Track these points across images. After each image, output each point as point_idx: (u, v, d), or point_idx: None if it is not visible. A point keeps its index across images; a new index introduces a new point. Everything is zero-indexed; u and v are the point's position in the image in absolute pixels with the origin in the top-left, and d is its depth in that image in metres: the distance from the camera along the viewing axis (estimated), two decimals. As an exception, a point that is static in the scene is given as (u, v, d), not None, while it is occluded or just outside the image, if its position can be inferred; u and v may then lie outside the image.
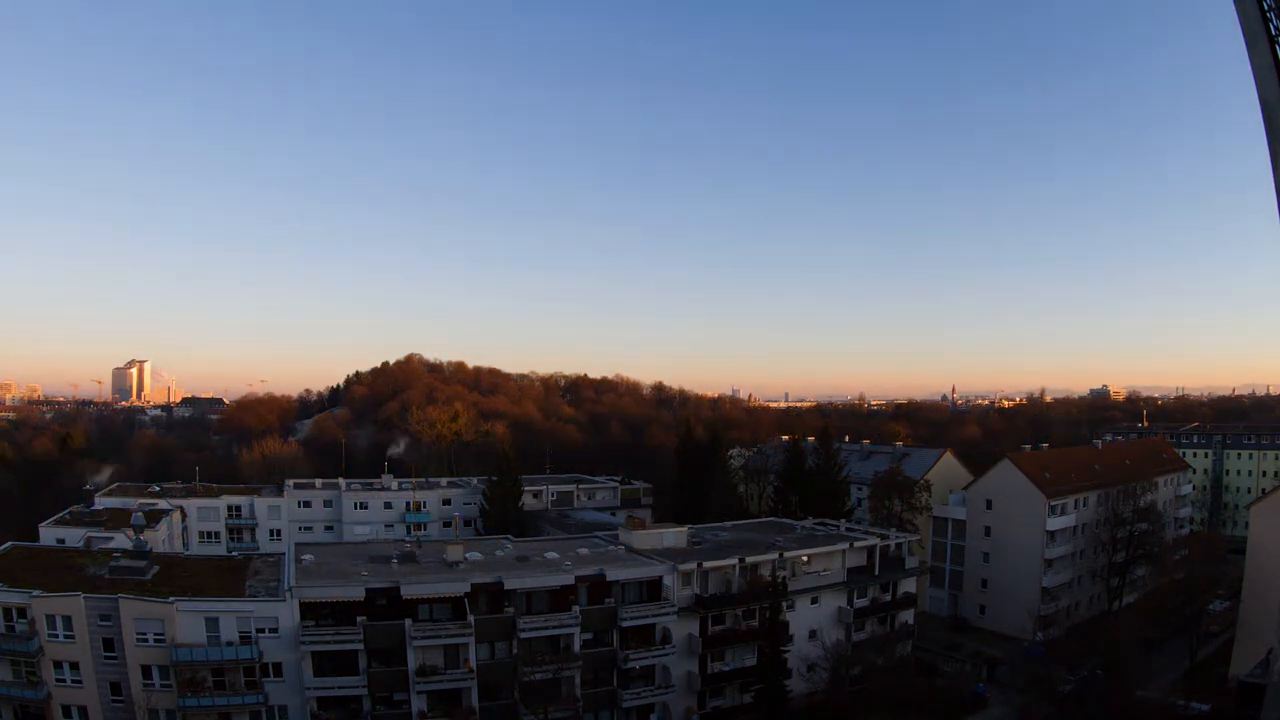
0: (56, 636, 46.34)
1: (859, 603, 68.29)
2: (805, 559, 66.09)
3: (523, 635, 53.76)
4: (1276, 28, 33.20)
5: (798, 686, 61.38)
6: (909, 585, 71.97)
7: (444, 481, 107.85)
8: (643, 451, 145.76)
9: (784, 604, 61.16)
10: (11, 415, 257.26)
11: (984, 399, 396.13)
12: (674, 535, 68.08)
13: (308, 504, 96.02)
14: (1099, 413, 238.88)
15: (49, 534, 71.65)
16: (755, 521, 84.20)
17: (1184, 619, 73.20)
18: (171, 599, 47.90)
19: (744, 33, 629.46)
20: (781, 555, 64.32)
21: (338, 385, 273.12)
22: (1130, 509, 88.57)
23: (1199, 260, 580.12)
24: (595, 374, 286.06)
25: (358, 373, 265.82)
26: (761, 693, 58.66)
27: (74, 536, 67.76)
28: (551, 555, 62.00)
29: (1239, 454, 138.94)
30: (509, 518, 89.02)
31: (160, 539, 71.88)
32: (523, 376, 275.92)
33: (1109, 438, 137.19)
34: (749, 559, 62.99)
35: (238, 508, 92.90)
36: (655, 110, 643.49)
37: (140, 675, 46.87)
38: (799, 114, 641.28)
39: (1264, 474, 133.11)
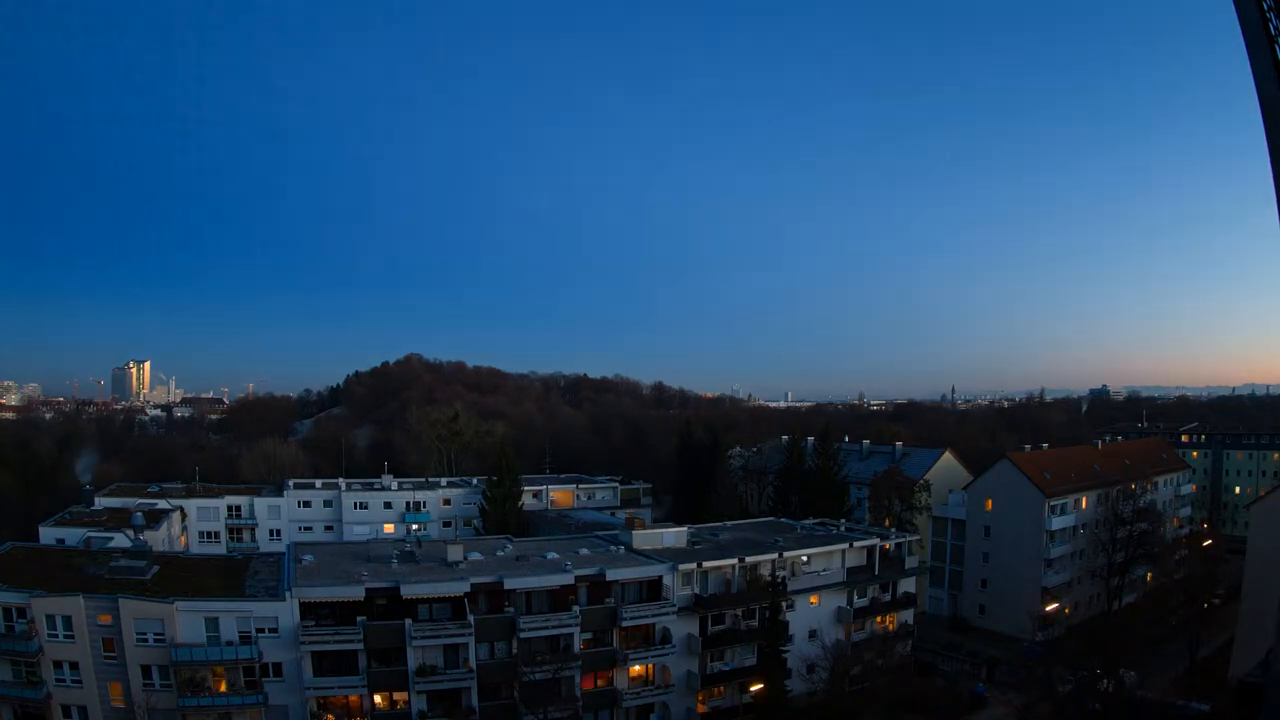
0: (56, 636, 46.27)
1: (859, 602, 68.27)
2: (805, 559, 66.11)
3: (523, 635, 53.74)
4: (1276, 28, 33.23)
5: (797, 686, 61.33)
6: (909, 585, 71.98)
7: (444, 481, 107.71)
8: (643, 451, 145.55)
9: (784, 604, 61.15)
10: (11, 415, 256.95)
11: (984, 399, 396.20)
12: (673, 535, 68.09)
13: (308, 504, 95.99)
14: (1099, 413, 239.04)
15: (49, 534, 71.42)
16: (755, 521, 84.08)
17: (1184, 619, 73.19)
18: (171, 599, 47.90)
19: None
20: (781, 555, 64.32)
21: (338, 385, 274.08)
22: (1130, 509, 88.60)
23: (1199, 260, 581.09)
24: (595, 374, 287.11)
25: (358, 373, 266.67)
26: (761, 692, 58.64)
27: (74, 536, 67.46)
28: (551, 555, 61.95)
29: (1239, 454, 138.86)
30: (509, 518, 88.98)
31: (160, 539, 71.89)
32: (523, 376, 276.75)
33: (1109, 438, 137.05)
34: (749, 559, 63.00)
35: (238, 508, 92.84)
36: (654, 105, 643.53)
37: (140, 675, 46.85)
38: (798, 112, 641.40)
39: (1264, 474, 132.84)
